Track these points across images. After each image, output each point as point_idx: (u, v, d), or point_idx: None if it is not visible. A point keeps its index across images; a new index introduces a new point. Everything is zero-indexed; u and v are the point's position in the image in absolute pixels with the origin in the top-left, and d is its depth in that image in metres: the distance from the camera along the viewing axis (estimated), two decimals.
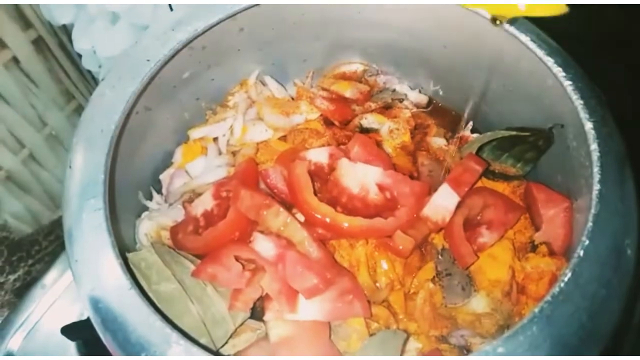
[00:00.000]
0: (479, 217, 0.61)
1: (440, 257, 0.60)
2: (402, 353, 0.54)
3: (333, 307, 0.54)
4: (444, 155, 0.68)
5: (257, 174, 0.64)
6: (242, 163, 0.65)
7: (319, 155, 0.63)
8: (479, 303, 0.57)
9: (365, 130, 0.72)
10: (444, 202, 0.58)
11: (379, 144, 0.69)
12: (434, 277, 0.59)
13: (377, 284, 0.58)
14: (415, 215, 0.58)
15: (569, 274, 0.44)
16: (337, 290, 0.54)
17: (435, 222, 0.57)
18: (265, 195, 0.58)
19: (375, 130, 0.71)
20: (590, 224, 0.46)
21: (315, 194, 0.58)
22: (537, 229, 0.61)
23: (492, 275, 0.58)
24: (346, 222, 0.56)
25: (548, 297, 0.43)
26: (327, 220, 0.56)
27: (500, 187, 0.65)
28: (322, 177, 0.63)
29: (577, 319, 0.43)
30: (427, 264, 0.60)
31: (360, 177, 0.59)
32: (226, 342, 0.55)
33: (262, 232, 0.58)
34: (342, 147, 0.65)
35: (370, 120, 0.72)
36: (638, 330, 0.69)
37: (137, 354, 0.42)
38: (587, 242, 0.45)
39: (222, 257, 0.56)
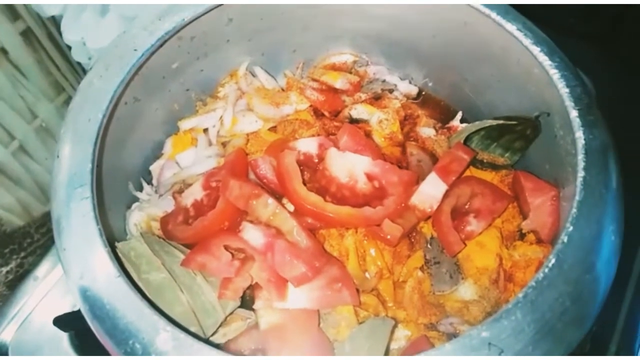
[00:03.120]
0: (466, 206, 0.61)
1: (429, 245, 0.61)
2: (390, 340, 0.55)
3: (322, 295, 0.54)
4: (432, 145, 0.68)
5: (246, 165, 0.64)
6: (231, 153, 0.65)
7: (308, 145, 0.63)
8: (466, 290, 0.58)
9: (354, 121, 0.72)
10: (431, 190, 0.58)
11: (368, 134, 0.69)
12: (422, 265, 0.60)
13: (366, 273, 0.58)
14: (403, 204, 0.58)
15: (553, 260, 0.44)
16: (326, 279, 0.55)
17: (423, 211, 0.58)
18: (254, 185, 0.58)
19: (365, 121, 0.72)
20: (574, 210, 0.46)
21: (305, 184, 0.58)
22: (524, 218, 0.61)
23: (480, 263, 0.59)
24: (335, 211, 0.56)
25: (532, 283, 0.43)
26: (316, 209, 0.56)
27: (489, 176, 0.65)
28: (311, 167, 0.63)
29: (561, 304, 0.43)
30: (416, 252, 0.60)
31: (349, 166, 0.60)
32: (216, 331, 0.56)
33: (251, 221, 0.58)
34: (331, 137, 0.65)
35: (360, 111, 0.72)
36: (625, 324, 0.70)
37: (125, 340, 0.43)
38: (571, 228, 0.45)
39: (212, 246, 0.56)
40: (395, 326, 0.56)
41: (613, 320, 0.71)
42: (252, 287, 0.56)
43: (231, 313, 0.57)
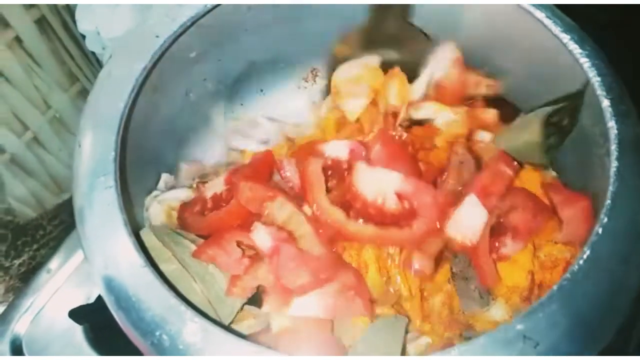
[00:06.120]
0: (502, 220, 0.56)
1: (455, 258, 0.57)
2: (405, 340, 0.52)
3: (332, 303, 0.51)
4: (480, 149, 0.62)
5: (272, 165, 0.62)
6: (259, 153, 0.64)
7: (337, 149, 0.60)
8: (497, 311, 0.55)
9: (416, 123, 0.65)
10: (470, 220, 0.53)
11: (430, 136, 0.63)
12: (449, 278, 0.56)
13: (390, 288, 0.55)
14: (434, 228, 0.54)
15: (588, 252, 0.43)
16: (339, 285, 0.52)
17: (461, 244, 0.53)
18: (268, 187, 0.56)
19: (428, 121, 0.64)
20: (608, 201, 0.45)
21: (330, 191, 0.56)
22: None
23: (511, 281, 0.55)
24: (357, 230, 0.53)
25: (567, 275, 0.42)
26: (338, 225, 0.53)
27: (533, 176, 0.61)
28: (339, 173, 0.60)
29: (595, 296, 0.42)
30: (442, 267, 0.56)
31: (378, 183, 0.56)
32: (232, 322, 0.54)
33: (264, 222, 0.56)
34: (365, 142, 0.61)
35: (426, 110, 0.64)
36: None
37: (152, 332, 0.42)
38: (605, 219, 0.45)
39: (224, 240, 0.55)
40: (407, 323, 0.53)
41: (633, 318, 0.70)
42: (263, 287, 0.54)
43: (246, 302, 0.55)
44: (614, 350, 0.63)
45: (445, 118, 0.63)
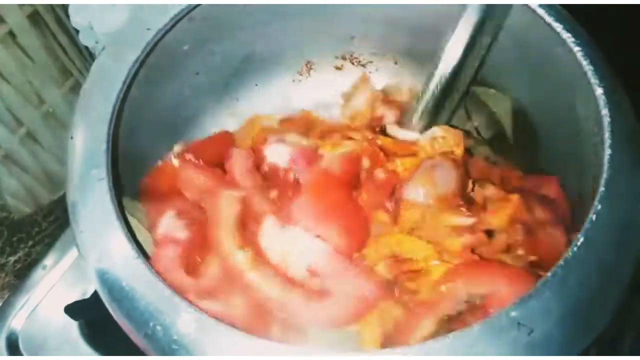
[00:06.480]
0: None
1: None
2: None
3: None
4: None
5: (230, 146, 0.61)
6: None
7: (278, 154, 0.54)
8: None
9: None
10: None
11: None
12: None
13: None
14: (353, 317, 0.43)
15: (582, 239, 0.43)
16: (221, 307, 0.46)
17: None
18: (214, 180, 0.52)
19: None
20: (602, 188, 0.45)
21: (275, 203, 0.50)
22: None
23: None
24: (258, 283, 0.45)
25: (561, 262, 0.42)
26: (237, 272, 0.46)
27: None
28: (277, 181, 0.52)
29: (588, 283, 0.42)
30: None
31: (287, 247, 0.46)
32: None
33: (178, 212, 0.52)
34: (315, 151, 0.53)
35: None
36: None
37: (146, 322, 0.42)
38: (599, 206, 0.45)
39: (164, 204, 0.53)
40: None
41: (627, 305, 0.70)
42: None
43: None
44: (609, 338, 0.64)
45: (431, 133, 0.56)
